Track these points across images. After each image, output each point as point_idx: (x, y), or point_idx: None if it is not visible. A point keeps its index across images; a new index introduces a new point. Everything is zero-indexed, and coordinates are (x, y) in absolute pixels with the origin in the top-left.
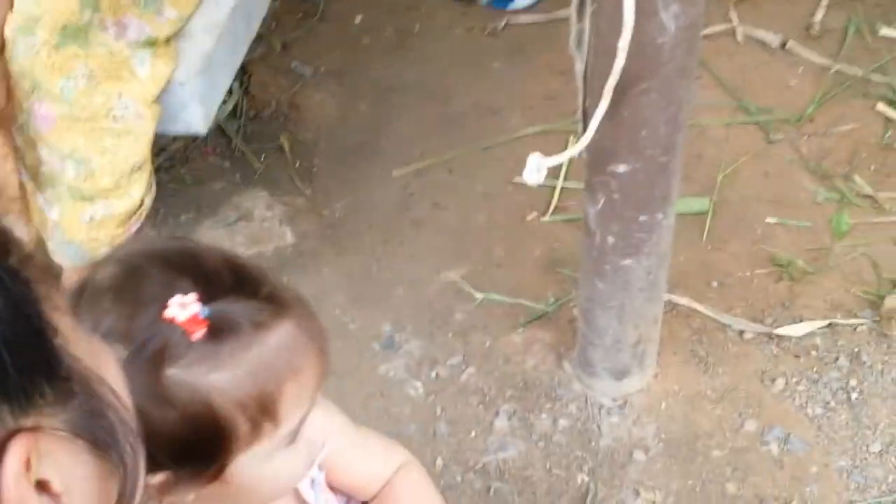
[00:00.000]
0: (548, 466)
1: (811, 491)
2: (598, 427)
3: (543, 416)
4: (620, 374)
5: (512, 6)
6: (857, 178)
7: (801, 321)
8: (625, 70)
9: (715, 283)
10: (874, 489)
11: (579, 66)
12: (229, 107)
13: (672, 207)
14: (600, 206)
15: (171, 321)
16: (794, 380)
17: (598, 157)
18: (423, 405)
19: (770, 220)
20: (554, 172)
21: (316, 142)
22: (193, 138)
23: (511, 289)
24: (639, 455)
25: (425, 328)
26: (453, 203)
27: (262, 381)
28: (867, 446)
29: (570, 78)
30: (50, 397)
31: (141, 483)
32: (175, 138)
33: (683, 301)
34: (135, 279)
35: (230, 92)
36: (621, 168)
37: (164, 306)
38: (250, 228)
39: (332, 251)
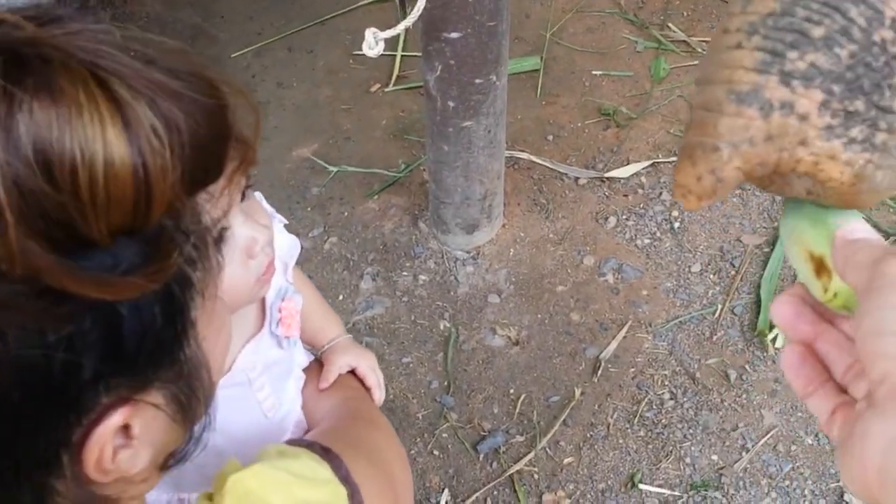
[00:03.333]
0: (412, 318)
1: (643, 311)
2: (455, 278)
3: (405, 273)
4: (471, 228)
5: None
6: (671, 25)
7: (628, 164)
8: None
9: (550, 136)
10: (696, 304)
11: None
12: None
13: (504, 68)
14: (438, 72)
15: None
16: (624, 216)
17: (431, 26)
18: None
19: (596, 72)
20: (392, 43)
21: (147, 28)
22: None
23: (363, 159)
24: (493, 298)
25: (284, 204)
26: (297, 81)
27: None
28: (689, 267)
29: None
30: (164, 379)
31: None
32: None
33: (524, 155)
34: None
35: None
36: (454, 35)
37: None
38: None
39: None
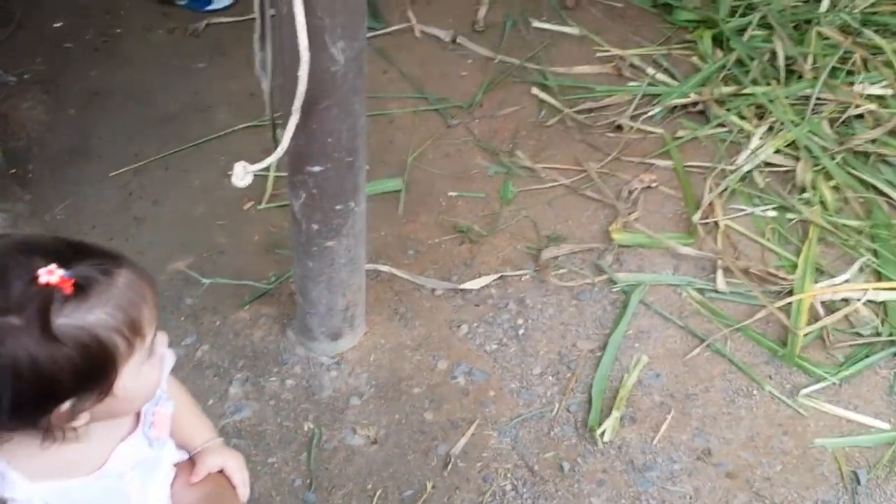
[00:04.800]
0: (279, 420)
1: (490, 410)
2: (320, 382)
3: (272, 378)
4: (335, 336)
5: (210, 7)
6: (519, 153)
7: (480, 276)
8: (308, 92)
9: (411, 251)
10: (536, 403)
11: (266, 87)
12: None
13: (362, 196)
14: (302, 199)
15: (46, 285)
16: (475, 324)
17: (295, 161)
18: None
19: (452, 193)
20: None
21: (28, 148)
22: None
23: (235, 272)
24: (354, 400)
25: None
26: (172, 198)
27: (126, 310)
28: (531, 370)
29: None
30: None
31: None
32: None
33: (385, 269)
34: None
35: None
36: (316, 168)
37: (35, 278)
38: None
39: None
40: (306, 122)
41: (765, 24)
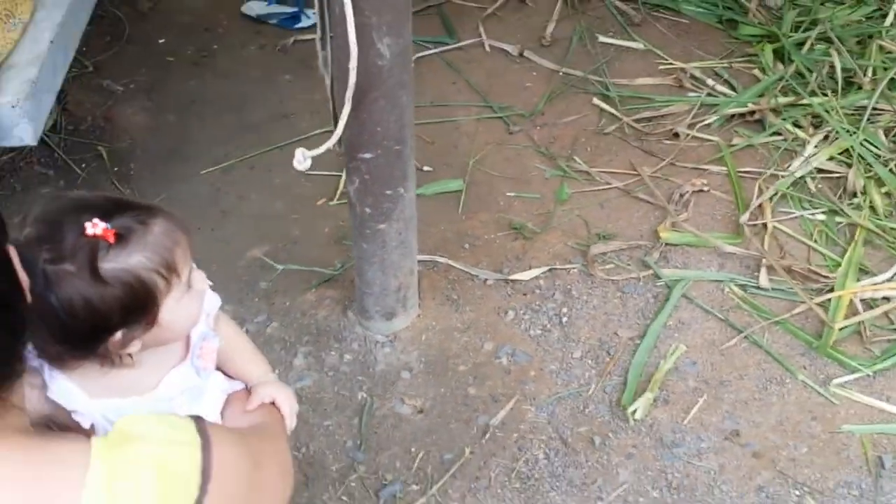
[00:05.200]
0: (336, 389)
1: (529, 388)
2: (375, 357)
3: (332, 353)
4: (389, 315)
5: (298, 25)
6: (576, 158)
7: (530, 269)
8: (358, 84)
9: (467, 245)
10: (574, 383)
11: (328, 82)
12: (49, 122)
13: (411, 183)
14: (356, 184)
15: (94, 236)
16: (522, 311)
17: (350, 148)
18: None
19: (510, 193)
20: (339, 166)
21: (131, 150)
22: (20, 150)
23: (306, 259)
24: (405, 374)
25: (235, 296)
26: (255, 194)
27: (161, 252)
28: (571, 354)
29: None
30: None
31: None
32: (1, 152)
33: (442, 260)
34: (54, 223)
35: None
36: (367, 155)
37: (83, 229)
38: None
39: None
40: (357, 112)
41: (826, 38)
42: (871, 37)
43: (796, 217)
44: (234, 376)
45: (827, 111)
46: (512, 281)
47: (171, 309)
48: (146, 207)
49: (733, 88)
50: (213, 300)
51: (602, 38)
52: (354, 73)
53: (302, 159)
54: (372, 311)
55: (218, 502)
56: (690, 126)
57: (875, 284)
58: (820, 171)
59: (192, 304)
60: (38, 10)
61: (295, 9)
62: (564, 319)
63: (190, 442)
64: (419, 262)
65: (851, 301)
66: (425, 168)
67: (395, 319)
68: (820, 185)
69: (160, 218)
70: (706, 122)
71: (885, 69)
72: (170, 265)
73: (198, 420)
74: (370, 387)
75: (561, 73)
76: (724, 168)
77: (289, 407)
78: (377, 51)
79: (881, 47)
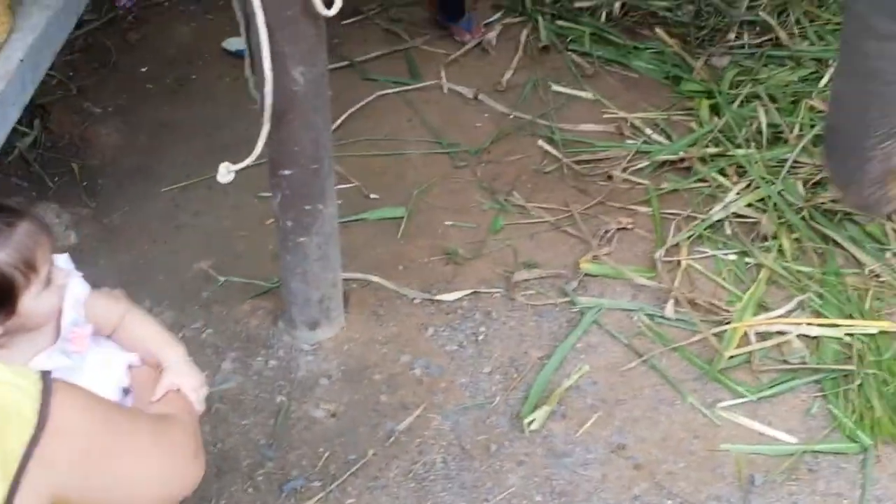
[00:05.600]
0: (257, 392)
1: (438, 398)
2: (297, 364)
3: (259, 359)
4: (313, 325)
5: None
6: (516, 193)
7: (456, 291)
8: (275, 107)
9: (401, 267)
10: (481, 396)
11: (259, 105)
12: (30, 139)
13: (330, 200)
14: (279, 199)
15: None
16: (441, 329)
17: (272, 165)
18: None
19: (448, 223)
20: None
21: (101, 167)
22: None
23: (247, 273)
24: (323, 381)
25: (178, 304)
26: (209, 212)
27: (23, 251)
28: (482, 369)
29: None
30: None
31: None
32: None
33: (375, 279)
34: None
35: (31, 127)
36: (286, 172)
37: None
38: None
39: (107, 249)
40: (276, 132)
41: (758, 96)
42: (803, 96)
43: (710, 256)
44: (146, 359)
45: (749, 162)
46: (437, 301)
47: (31, 300)
48: (16, 211)
49: (669, 138)
50: (81, 288)
51: (555, 87)
52: (270, 96)
53: (225, 173)
54: (297, 320)
55: (59, 453)
56: (624, 170)
57: (770, 319)
58: (737, 216)
59: (52, 298)
60: (14, 33)
61: None
62: (480, 338)
63: (29, 387)
64: (353, 279)
65: (746, 333)
66: (372, 196)
67: (319, 329)
68: (736, 230)
69: (26, 220)
70: (639, 166)
71: (812, 126)
72: (29, 262)
73: (45, 374)
74: (290, 391)
75: (511, 117)
76: (650, 209)
77: (194, 393)
78: (292, 77)
79: (812, 107)
